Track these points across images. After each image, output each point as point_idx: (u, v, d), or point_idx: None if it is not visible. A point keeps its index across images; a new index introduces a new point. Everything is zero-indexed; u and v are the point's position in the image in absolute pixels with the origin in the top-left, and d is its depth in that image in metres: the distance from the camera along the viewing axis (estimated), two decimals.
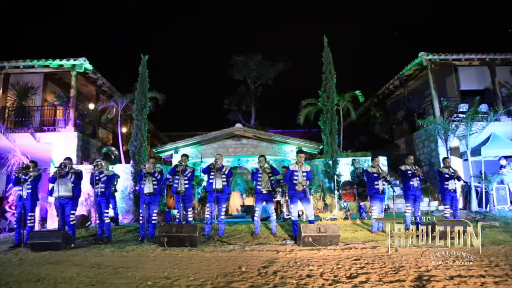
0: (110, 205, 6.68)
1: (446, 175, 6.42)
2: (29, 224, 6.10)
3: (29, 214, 6.12)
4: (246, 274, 3.62)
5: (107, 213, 6.27)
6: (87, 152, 10.52)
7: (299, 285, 3.21)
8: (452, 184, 6.40)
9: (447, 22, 27.11)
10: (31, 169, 6.22)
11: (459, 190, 9.69)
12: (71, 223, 5.96)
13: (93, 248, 5.46)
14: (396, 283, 3.15)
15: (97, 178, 6.19)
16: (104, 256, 4.82)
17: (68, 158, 6.34)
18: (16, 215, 6.26)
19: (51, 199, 6.69)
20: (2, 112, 10.04)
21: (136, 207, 8.67)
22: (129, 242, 5.94)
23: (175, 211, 7.35)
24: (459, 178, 6.51)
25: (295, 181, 5.88)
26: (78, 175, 6.14)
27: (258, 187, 6.11)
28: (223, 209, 6.25)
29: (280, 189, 7.86)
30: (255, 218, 6.15)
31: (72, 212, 5.97)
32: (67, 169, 5.97)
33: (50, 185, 6.12)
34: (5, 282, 3.51)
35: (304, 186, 5.90)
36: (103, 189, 6.21)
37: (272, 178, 6.19)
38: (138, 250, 5.17)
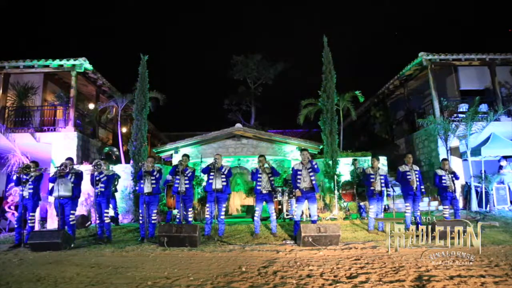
0: (110, 205, 6.68)
1: (444, 177, 6.49)
2: (30, 224, 6.12)
3: (30, 214, 6.14)
4: (246, 274, 3.62)
5: (107, 213, 6.25)
6: (87, 152, 10.52)
7: (299, 285, 3.21)
8: (451, 186, 6.45)
9: (447, 22, 27.13)
10: (32, 169, 6.22)
11: (459, 190, 9.70)
12: (71, 223, 5.97)
13: (93, 248, 5.46)
14: (396, 283, 3.15)
15: (97, 178, 6.19)
16: (104, 256, 4.82)
17: (69, 158, 6.37)
18: (17, 214, 6.26)
19: (51, 199, 6.71)
20: (2, 112, 10.04)
21: (136, 207, 8.68)
22: (129, 242, 5.94)
23: (175, 211, 7.36)
24: (455, 174, 6.53)
25: (299, 180, 5.86)
26: (78, 176, 6.16)
27: (258, 187, 6.11)
28: (223, 209, 6.25)
29: (280, 189, 7.86)
30: (255, 218, 6.15)
31: (71, 212, 5.98)
32: (67, 170, 5.98)
33: (50, 185, 6.14)
34: (5, 282, 3.51)
35: (313, 182, 5.74)
36: (102, 189, 6.19)
37: (272, 178, 6.18)
38: (138, 250, 5.17)
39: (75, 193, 6.04)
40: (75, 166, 6.30)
